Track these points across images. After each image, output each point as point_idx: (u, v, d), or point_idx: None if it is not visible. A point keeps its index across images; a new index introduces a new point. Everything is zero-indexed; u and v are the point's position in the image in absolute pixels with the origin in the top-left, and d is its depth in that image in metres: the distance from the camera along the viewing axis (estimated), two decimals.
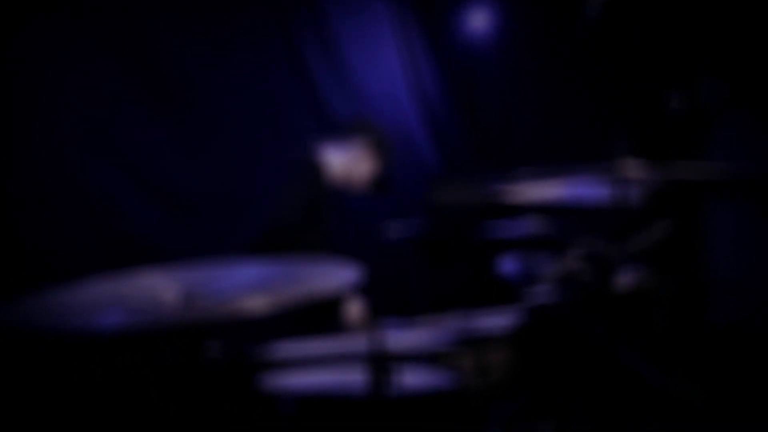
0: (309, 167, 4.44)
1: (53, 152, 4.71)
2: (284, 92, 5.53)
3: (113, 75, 4.93)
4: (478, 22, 6.23)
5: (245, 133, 5.27)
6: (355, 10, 5.87)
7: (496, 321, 3.89)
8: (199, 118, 5.19)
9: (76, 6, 4.80)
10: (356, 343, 3.14)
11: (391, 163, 4.64)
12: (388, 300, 4.46)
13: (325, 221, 4.44)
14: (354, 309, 4.30)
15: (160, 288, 2.54)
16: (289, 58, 5.59)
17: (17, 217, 4.58)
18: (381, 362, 3.02)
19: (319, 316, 4.15)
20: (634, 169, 3.31)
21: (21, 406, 4.03)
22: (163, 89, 5.08)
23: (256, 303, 2.37)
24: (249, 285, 2.56)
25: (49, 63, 4.70)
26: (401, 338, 3.30)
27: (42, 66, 4.67)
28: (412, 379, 3.30)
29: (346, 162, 4.53)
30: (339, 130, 4.65)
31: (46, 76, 4.69)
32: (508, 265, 4.11)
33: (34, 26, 4.66)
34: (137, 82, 5.00)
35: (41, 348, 4.16)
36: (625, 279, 3.86)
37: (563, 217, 4.02)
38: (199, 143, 5.17)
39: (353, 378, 3.24)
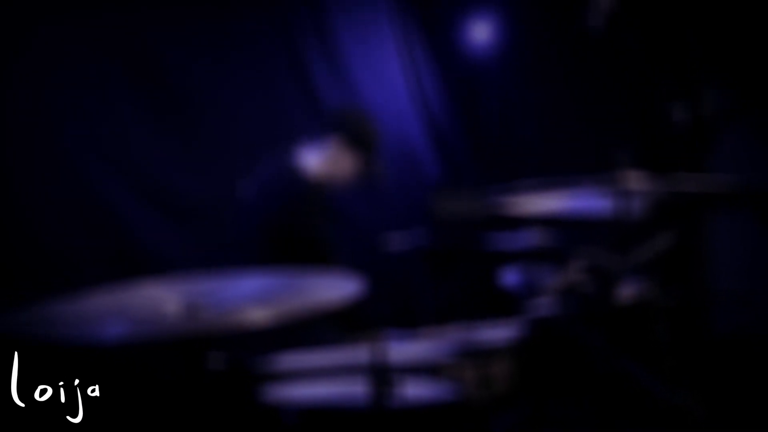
0: (291, 180, 4.31)
1: (56, 161, 4.72)
2: (287, 102, 5.54)
3: (116, 83, 4.93)
4: (481, 32, 6.23)
5: (247, 141, 5.27)
6: (358, 20, 5.88)
7: (498, 333, 3.89)
8: (201, 126, 5.20)
9: (81, 14, 4.81)
10: (358, 354, 3.14)
11: (378, 152, 4.42)
12: (391, 311, 4.46)
13: (320, 232, 4.37)
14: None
15: (163, 299, 2.54)
16: (291, 68, 5.60)
17: (20, 226, 4.59)
18: (383, 374, 3.02)
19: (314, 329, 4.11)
20: (636, 180, 3.32)
21: (23, 415, 4.03)
22: (165, 97, 5.09)
23: (259, 314, 2.37)
24: (252, 296, 2.57)
25: (53, 70, 4.70)
26: (403, 350, 3.30)
27: (46, 73, 4.68)
28: (415, 390, 3.30)
29: (322, 164, 4.36)
30: (321, 124, 4.48)
31: (50, 83, 4.70)
32: (510, 276, 4.10)
33: (39, 33, 4.66)
34: (140, 90, 5.01)
35: (44, 358, 4.16)
36: (627, 291, 3.86)
37: (565, 228, 4.01)
38: (202, 152, 5.18)
39: (356, 389, 3.24)
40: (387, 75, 5.98)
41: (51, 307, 2.49)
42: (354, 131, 4.38)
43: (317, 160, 4.37)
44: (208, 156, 5.19)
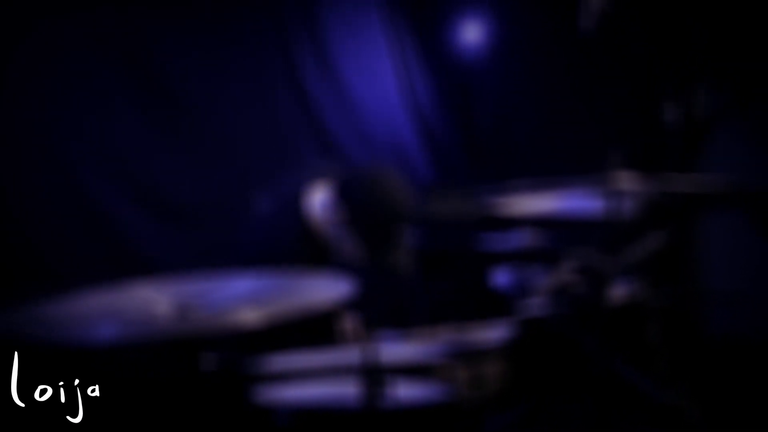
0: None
1: (50, 161, 4.71)
2: (280, 105, 5.54)
3: (111, 83, 4.93)
4: (473, 32, 6.24)
5: (241, 144, 5.28)
6: (349, 22, 5.88)
7: (490, 333, 3.89)
8: (196, 129, 5.20)
9: (78, 14, 4.80)
10: (350, 355, 3.14)
11: (381, 221, 3.75)
12: (382, 312, 4.46)
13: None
14: (347, 324, 4.26)
15: (155, 300, 2.54)
16: (285, 72, 5.60)
17: (12, 226, 4.58)
18: (375, 375, 3.02)
19: (312, 331, 4.09)
20: (628, 180, 3.32)
21: (23, 415, 4.02)
22: (161, 99, 5.09)
23: (251, 315, 2.37)
24: (243, 297, 2.57)
25: (49, 70, 4.69)
26: (395, 350, 3.30)
27: (41, 73, 4.67)
28: (407, 391, 3.30)
29: (318, 208, 3.87)
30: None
31: (46, 83, 4.69)
32: (501, 277, 4.10)
33: (37, 32, 4.66)
34: (135, 92, 5.01)
35: (35, 359, 4.15)
36: (619, 291, 3.86)
37: (557, 229, 4.01)
38: (196, 154, 5.18)
39: (348, 390, 3.24)
40: (379, 76, 5.98)
41: (42, 307, 2.49)
42: (346, 179, 3.83)
43: (317, 200, 3.89)
44: (202, 158, 5.19)
